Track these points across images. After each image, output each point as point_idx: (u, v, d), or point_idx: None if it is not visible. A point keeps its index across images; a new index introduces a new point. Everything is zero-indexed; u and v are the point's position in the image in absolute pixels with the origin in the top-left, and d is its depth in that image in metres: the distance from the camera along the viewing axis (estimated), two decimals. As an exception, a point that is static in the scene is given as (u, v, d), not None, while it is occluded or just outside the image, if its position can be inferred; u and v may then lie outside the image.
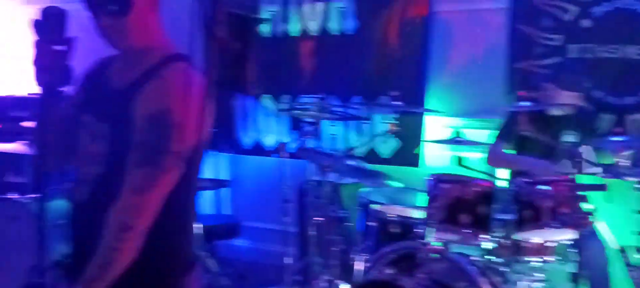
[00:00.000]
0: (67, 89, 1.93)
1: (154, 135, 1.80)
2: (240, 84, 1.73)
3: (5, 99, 5.88)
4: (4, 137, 5.35)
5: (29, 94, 5.86)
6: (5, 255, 4.22)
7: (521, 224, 3.06)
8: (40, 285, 3.86)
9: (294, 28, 5.01)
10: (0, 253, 4.24)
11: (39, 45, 1.82)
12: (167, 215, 1.83)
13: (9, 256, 4.21)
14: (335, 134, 4.94)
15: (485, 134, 4.13)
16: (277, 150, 4.50)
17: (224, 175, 5.44)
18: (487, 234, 3.09)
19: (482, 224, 3.11)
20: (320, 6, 4.91)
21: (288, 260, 4.32)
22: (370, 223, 3.69)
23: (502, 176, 3.70)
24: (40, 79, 1.84)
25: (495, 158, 3.80)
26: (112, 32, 1.88)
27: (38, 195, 4.32)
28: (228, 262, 5.25)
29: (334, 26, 4.88)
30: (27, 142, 4.41)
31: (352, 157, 4.07)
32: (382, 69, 4.70)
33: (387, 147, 4.76)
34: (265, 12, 5.02)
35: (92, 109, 1.95)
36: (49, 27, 1.81)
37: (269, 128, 5.24)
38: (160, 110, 1.81)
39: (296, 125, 5.06)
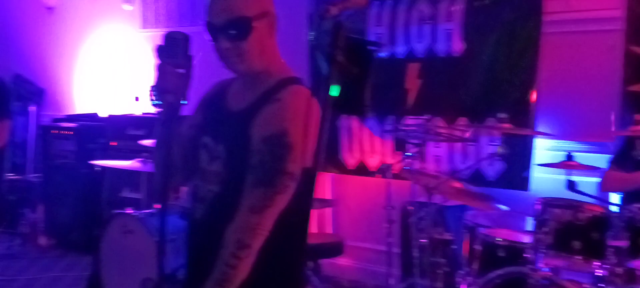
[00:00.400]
0: (186, 111, 2.03)
1: (271, 156, 1.86)
2: (353, 107, 1.79)
3: (123, 118, 6.20)
4: (121, 154, 5.63)
5: (143, 113, 6.16)
6: (121, 267, 4.43)
7: (635, 251, 2.96)
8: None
9: (400, 50, 5.04)
10: (116, 265, 4.45)
11: (161, 68, 1.90)
12: (280, 235, 1.88)
13: (123, 268, 4.41)
14: (440, 155, 4.92)
15: (596, 158, 4.01)
16: (381, 170, 4.52)
17: (327, 194, 5.51)
18: (599, 261, 3.01)
19: (594, 250, 3.03)
20: (427, 28, 4.92)
21: (392, 281, 4.33)
22: (475, 247, 3.65)
23: (615, 201, 3.59)
24: (162, 100, 1.92)
25: (609, 184, 3.68)
26: (231, 55, 1.94)
27: (153, 210, 4.52)
28: (331, 280, 5.32)
29: (440, 48, 4.88)
30: (142, 159, 4.60)
31: (457, 179, 4.05)
32: (490, 90, 4.65)
33: (494, 169, 4.70)
34: (372, 35, 5.08)
35: (211, 131, 2.03)
36: (172, 51, 1.89)
37: (373, 148, 5.27)
38: (277, 132, 1.86)
39: (400, 146, 5.08)
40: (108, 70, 6.93)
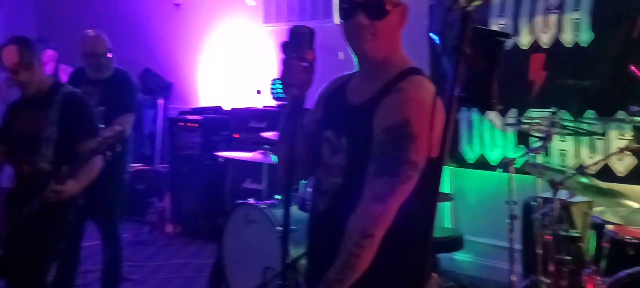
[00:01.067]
0: (308, 104, 2.09)
1: (393, 146, 1.87)
2: (480, 99, 1.77)
3: (245, 111, 6.40)
4: (243, 146, 5.82)
5: (265, 106, 6.33)
6: (243, 256, 4.58)
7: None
8: (276, 285, 4.15)
9: (524, 40, 4.93)
10: (238, 254, 4.61)
11: (286, 61, 1.97)
12: (404, 225, 1.89)
13: (245, 256, 4.56)
14: (565, 149, 4.78)
15: None
16: (503, 164, 4.44)
17: (446, 188, 5.48)
18: None
19: None
20: (553, 18, 4.79)
21: (513, 278, 4.26)
22: (603, 245, 3.53)
23: None
24: (287, 93, 1.98)
25: None
26: (365, 33, 1.96)
27: (274, 201, 4.64)
28: (450, 275, 5.28)
29: (567, 38, 4.73)
30: (264, 151, 4.73)
31: (584, 174, 3.92)
32: (620, 82, 4.46)
33: (623, 164, 4.51)
34: (495, 26, 4.99)
35: (332, 125, 2.07)
36: (297, 45, 1.96)
37: (495, 142, 5.19)
38: (399, 121, 1.87)
39: (523, 139, 4.97)
40: (231, 64, 7.15)
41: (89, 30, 4.60)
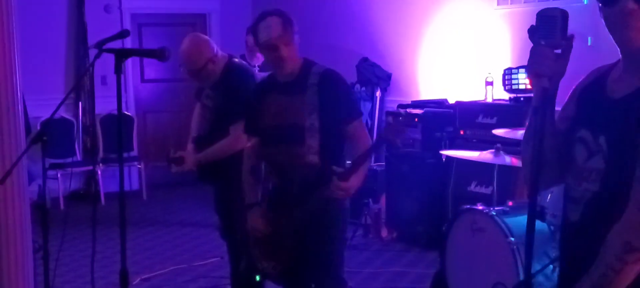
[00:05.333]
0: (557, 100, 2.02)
1: None
2: None
3: (473, 105, 6.32)
4: (471, 144, 5.77)
5: (496, 100, 6.23)
6: (468, 268, 4.54)
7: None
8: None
9: None
10: (463, 265, 4.57)
11: (534, 49, 1.91)
12: None
13: (471, 269, 4.51)
14: None
15: None
16: None
17: None
18: None
19: None
20: None
21: None
22: None
23: None
24: (536, 85, 1.92)
25: None
26: (629, 21, 1.86)
27: (507, 207, 4.53)
28: None
29: None
30: (495, 150, 4.66)
31: None
32: None
33: None
34: None
35: (588, 122, 1.99)
36: (548, 30, 1.89)
37: None
38: None
39: None
40: (457, 52, 7.10)
41: (184, 42, 4.26)
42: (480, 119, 6.06)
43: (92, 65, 3.50)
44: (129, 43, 8.38)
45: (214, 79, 4.24)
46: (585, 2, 5.59)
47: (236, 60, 4.42)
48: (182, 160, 4.30)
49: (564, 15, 1.90)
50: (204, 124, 4.40)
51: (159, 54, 3.33)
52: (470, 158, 4.93)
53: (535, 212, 2.00)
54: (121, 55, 3.27)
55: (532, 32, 1.93)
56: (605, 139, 1.92)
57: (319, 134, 3.36)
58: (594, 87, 2.05)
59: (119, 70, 3.19)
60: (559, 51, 1.90)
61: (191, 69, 4.21)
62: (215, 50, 4.21)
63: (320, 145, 3.37)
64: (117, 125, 3.55)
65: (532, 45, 1.93)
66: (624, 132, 1.86)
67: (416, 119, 6.55)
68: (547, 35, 1.90)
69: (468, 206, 4.62)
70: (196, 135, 4.43)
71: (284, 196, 3.52)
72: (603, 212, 1.88)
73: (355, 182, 3.34)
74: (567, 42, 1.90)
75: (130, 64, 9.31)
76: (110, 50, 3.26)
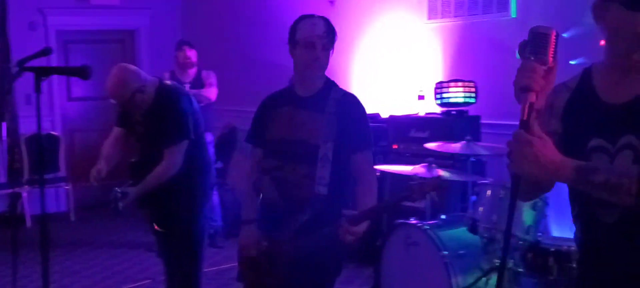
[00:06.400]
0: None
1: None
2: None
3: (406, 119, 6.36)
4: (404, 158, 5.81)
5: (428, 113, 6.29)
6: (404, 282, 4.57)
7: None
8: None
9: None
10: (399, 280, 4.61)
11: (523, 64, 1.96)
12: None
13: (407, 283, 4.55)
14: None
15: None
16: None
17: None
18: None
19: None
20: None
21: None
22: None
23: None
24: (522, 99, 1.95)
25: None
26: None
27: (439, 221, 4.55)
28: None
29: None
30: (427, 164, 4.70)
31: None
32: None
33: None
34: None
35: (602, 132, 2.08)
36: (538, 46, 1.95)
37: None
38: None
39: None
40: (389, 65, 7.13)
41: (109, 76, 4.18)
42: (413, 133, 6.10)
43: (11, 83, 3.43)
44: (54, 60, 8.23)
45: (146, 107, 4.22)
46: (513, 16, 5.69)
47: (167, 82, 4.41)
48: (126, 195, 4.22)
49: (556, 34, 1.97)
50: (132, 150, 4.45)
51: (81, 72, 3.29)
52: (404, 173, 4.95)
53: (511, 224, 2.04)
54: (41, 74, 3.21)
55: (523, 48, 1.98)
56: (635, 137, 2.00)
57: (331, 164, 3.30)
58: (582, 98, 2.15)
59: (38, 88, 3.13)
60: (546, 68, 1.95)
61: (119, 101, 4.20)
62: (142, 78, 4.19)
63: (330, 176, 3.30)
64: (38, 145, 3.48)
65: (520, 60, 1.98)
66: None
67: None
68: (537, 52, 1.95)
69: (402, 221, 4.65)
70: (131, 162, 4.40)
71: (278, 215, 3.42)
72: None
73: (364, 226, 3.30)
74: (554, 60, 1.96)
75: (56, 81, 9.12)
76: (30, 69, 3.20)
